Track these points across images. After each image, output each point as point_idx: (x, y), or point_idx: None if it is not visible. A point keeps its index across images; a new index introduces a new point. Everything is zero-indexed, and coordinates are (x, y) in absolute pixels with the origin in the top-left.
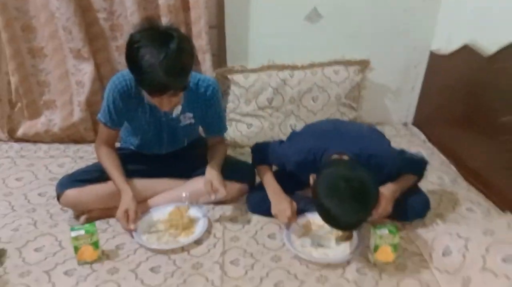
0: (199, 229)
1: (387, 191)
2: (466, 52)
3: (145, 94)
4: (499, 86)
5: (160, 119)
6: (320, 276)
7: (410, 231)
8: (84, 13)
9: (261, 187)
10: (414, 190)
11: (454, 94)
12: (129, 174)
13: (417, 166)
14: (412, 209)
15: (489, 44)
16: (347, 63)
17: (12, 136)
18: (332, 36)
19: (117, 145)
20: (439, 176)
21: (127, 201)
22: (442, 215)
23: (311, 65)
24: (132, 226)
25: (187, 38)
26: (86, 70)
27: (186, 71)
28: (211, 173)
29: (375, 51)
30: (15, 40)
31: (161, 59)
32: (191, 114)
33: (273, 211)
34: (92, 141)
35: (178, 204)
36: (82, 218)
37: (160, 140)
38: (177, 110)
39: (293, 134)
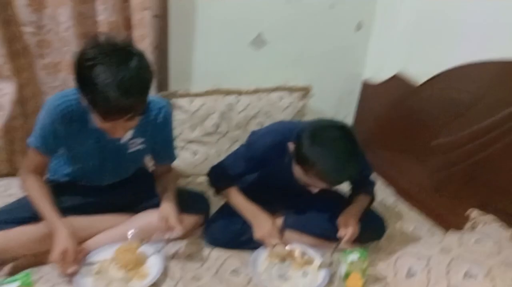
0: (153, 270)
1: (349, 214)
2: (397, 81)
3: (93, 118)
4: (428, 113)
5: (106, 146)
6: None
7: (369, 255)
8: (7, 27)
9: (219, 216)
10: (368, 212)
11: (387, 121)
12: (62, 210)
13: (371, 185)
14: (369, 230)
15: (418, 74)
16: (290, 89)
17: None
18: (276, 62)
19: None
20: (382, 198)
21: (63, 240)
22: (393, 236)
23: (257, 91)
24: (71, 269)
25: (145, 56)
26: (6, 91)
27: (146, 92)
28: (166, 208)
29: (315, 78)
30: None
31: (120, 79)
32: (141, 140)
33: (257, 235)
34: (7, 175)
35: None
36: (7, 268)
37: (103, 170)
38: (127, 135)
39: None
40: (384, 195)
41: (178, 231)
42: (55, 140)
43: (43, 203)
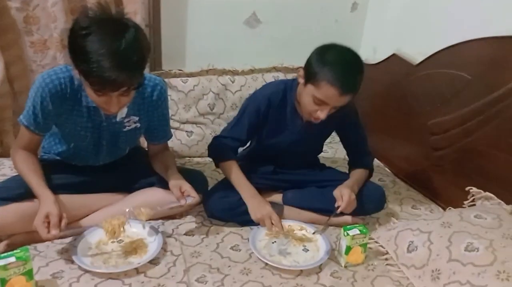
0: (153, 246)
1: (345, 186)
2: (395, 60)
3: (87, 93)
4: (425, 92)
5: (101, 124)
6: (296, 285)
7: (370, 230)
8: None
9: (217, 188)
10: (368, 184)
11: (385, 101)
12: (55, 188)
13: (368, 157)
14: (369, 201)
15: (413, 54)
16: (285, 70)
17: None
18: (270, 42)
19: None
20: (380, 178)
21: (48, 205)
22: (394, 213)
23: (251, 71)
24: (54, 232)
25: (141, 29)
26: None
27: (143, 66)
28: (176, 178)
29: None
30: None
31: (115, 50)
32: (136, 118)
33: (254, 216)
34: None
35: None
36: (2, 245)
37: (98, 150)
38: (122, 113)
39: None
40: (381, 175)
41: (194, 195)
42: (46, 119)
43: (31, 174)
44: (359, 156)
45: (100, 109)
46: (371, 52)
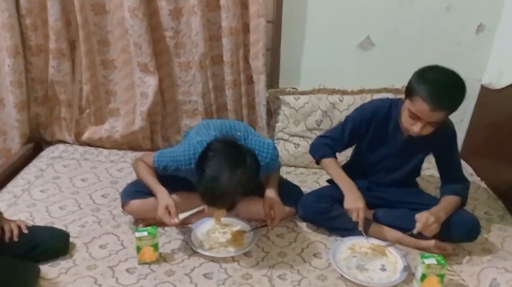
0: (248, 241)
1: (429, 211)
2: None
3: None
4: None
5: None
6: None
7: (455, 263)
8: (153, 31)
9: (311, 194)
10: (461, 211)
11: (504, 129)
12: (176, 188)
13: (463, 185)
14: (458, 227)
15: None
16: (396, 91)
17: (78, 139)
18: (383, 64)
19: None
20: (486, 211)
21: (165, 198)
22: (490, 250)
23: (361, 91)
24: (176, 220)
25: (255, 167)
26: (151, 83)
27: (236, 196)
28: (271, 196)
29: None
30: (91, 52)
31: (224, 176)
32: None
33: (346, 205)
34: (148, 150)
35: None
36: (141, 225)
37: None
38: None
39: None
40: (490, 208)
41: (276, 223)
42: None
43: (150, 177)
44: (451, 182)
45: None
46: (496, 76)
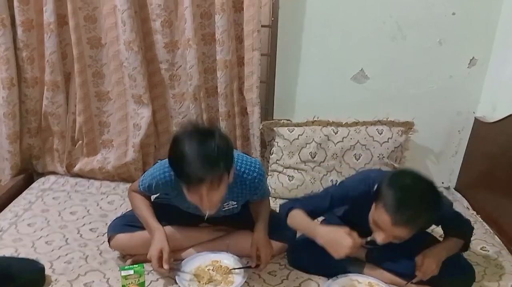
0: (238, 280)
1: (430, 253)
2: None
3: (186, 193)
4: None
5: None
6: None
7: None
8: (149, 64)
9: (303, 240)
10: (456, 257)
11: (499, 162)
12: (164, 219)
13: (465, 227)
14: (454, 277)
15: None
16: (391, 123)
17: (69, 171)
18: (377, 97)
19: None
20: (482, 246)
21: (161, 240)
22: None
23: (355, 123)
24: (166, 266)
25: (226, 137)
26: (144, 115)
27: (219, 164)
28: (260, 237)
29: (419, 113)
30: (86, 84)
31: (198, 151)
32: (234, 202)
33: (337, 254)
34: None
35: (219, 253)
36: (129, 261)
37: (200, 215)
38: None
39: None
40: (486, 243)
41: (263, 267)
42: (158, 193)
43: (145, 211)
44: (454, 225)
45: None
46: (489, 110)
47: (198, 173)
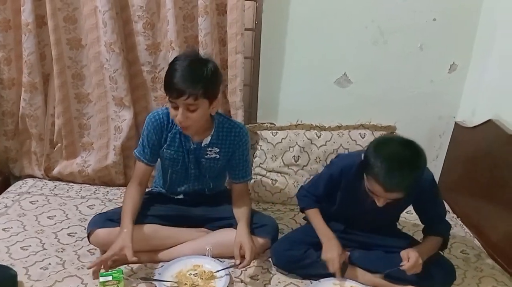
0: (220, 284)
1: (414, 250)
2: (490, 127)
3: (170, 113)
4: None
5: (189, 148)
6: None
7: None
8: (131, 66)
9: (284, 241)
10: (437, 257)
11: (478, 166)
12: (150, 218)
13: (444, 226)
14: (436, 276)
15: None
16: (373, 127)
17: (48, 174)
18: (359, 101)
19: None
20: (462, 249)
21: (124, 239)
22: None
23: (338, 127)
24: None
25: (219, 71)
26: (126, 117)
27: (201, 85)
28: (242, 235)
29: (401, 118)
30: (65, 86)
31: (184, 68)
32: (217, 149)
33: (324, 256)
34: (121, 185)
35: (201, 257)
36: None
37: (187, 173)
38: (206, 141)
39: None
40: (466, 246)
41: (246, 264)
42: (151, 149)
43: (126, 207)
44: (434, 223)
45: (189, 137)
46: (469, 114)
47: (178, 85)
